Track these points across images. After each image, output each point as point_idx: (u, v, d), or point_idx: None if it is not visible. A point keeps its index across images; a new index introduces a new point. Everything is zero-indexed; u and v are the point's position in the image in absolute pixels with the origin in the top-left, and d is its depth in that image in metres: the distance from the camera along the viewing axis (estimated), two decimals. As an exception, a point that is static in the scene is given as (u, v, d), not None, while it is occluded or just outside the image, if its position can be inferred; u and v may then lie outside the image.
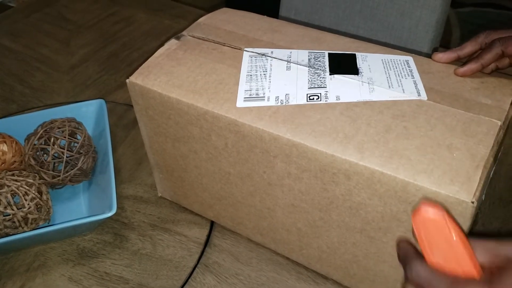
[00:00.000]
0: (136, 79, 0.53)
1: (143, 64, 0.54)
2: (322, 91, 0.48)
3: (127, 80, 0.53)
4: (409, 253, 0.38)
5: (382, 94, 0.47)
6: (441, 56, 0.51)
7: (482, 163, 0.40)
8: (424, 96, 0.46)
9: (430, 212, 0.35)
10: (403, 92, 0.47)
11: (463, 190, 0.38)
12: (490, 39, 0.51)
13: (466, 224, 0.39)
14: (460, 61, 0.52)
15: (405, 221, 0.43)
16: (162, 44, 0.56)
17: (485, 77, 0.49)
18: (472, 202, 0.38)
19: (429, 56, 0.53)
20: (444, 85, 0.48)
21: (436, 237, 0.35)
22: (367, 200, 0.44)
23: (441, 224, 0.34)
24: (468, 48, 0.51)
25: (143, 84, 0.52)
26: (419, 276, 0.35)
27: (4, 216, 0.57)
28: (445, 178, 0.39)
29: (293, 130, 0.45)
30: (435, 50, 0.78)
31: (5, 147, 0.64)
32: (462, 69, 0.49)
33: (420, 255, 0.37)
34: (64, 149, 0.63)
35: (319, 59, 0.52)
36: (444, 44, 1.07)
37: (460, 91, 0.47)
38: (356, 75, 0.50)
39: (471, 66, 0.48)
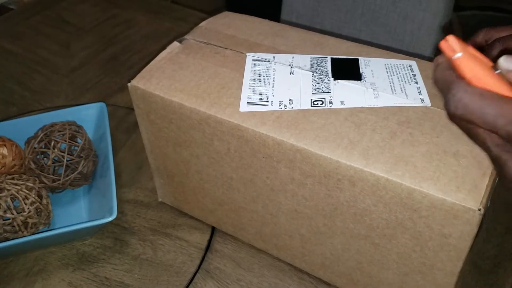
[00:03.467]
0: (138, 82, 0.52)
1: (145, 68, 0.54)
2: (326, 96, 0.48)
3: (129, 84, 0.53)
4: (451, 76, 0.31)
5: (387, 100, 0.47)
6: None
7: (489, 170, 0.39)
8: (427, 102, 0.46)
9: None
10: (407, 98, 0.47)
11: (470, 197, 0.38)
12: (489, 37, 0.51)
13: (472, 232, 0.39)
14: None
15: (410, 228, 0.42)
16: (163, 48, 0.56)
17: None
18: (479, 210, 0.37)
19: (431, 59, 0.52)
20: (449, 91, 0.48)
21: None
22: (372, 206, 0.43)
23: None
24: None
25: (145, 88, 0.52)
26: (466, 100, 0.29)
27: (3, 220, 0.56)
28: (452, 185, 0.39)
29: (297, 135, 0.44)
30: (437, 54, 0.77)
31: (5, 151, 0.63)
32: None
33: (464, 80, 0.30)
34: (64, 152, 0.63)
35: (321, 64, 0.52)
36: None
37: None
38: (359, 81, 0.49)
39: None
